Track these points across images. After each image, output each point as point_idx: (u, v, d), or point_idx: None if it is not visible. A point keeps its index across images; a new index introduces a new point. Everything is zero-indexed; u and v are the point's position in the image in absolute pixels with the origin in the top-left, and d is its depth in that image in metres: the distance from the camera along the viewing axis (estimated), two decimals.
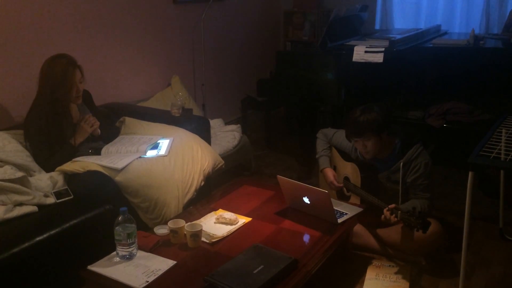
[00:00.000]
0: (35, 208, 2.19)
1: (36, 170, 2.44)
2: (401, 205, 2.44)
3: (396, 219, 2.28)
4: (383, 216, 2.33)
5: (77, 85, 2.53)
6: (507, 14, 3.82)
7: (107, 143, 2.73)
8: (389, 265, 2.46)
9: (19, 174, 2.22)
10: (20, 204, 2.17)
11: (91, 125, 2.63)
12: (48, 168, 2.46)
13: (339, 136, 2.86)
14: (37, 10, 2.86)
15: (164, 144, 2.69)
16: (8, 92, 2.76)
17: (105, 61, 3.35)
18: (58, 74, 2.46)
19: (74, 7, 3.07)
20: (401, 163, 2.49)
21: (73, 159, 2.47)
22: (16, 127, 2.62)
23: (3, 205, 2.12)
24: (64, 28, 3.02)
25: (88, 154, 2.61)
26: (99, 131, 2.69)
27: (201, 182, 2.71)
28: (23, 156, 2.43)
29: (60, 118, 2.54)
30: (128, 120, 2.93)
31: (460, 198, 3.09)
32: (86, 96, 2.79)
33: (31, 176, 2.36)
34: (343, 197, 2.79)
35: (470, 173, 1.94)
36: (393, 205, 2.32)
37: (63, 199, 2.29)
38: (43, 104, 2.50)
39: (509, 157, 1.94)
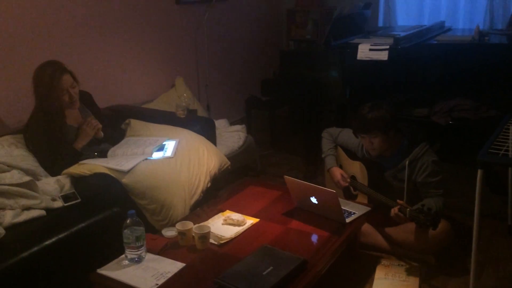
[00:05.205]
0: (43, 212, 2.19)
1: (43, 174, 2.44)
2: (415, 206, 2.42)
3: (405, 216, 2.27)
4: (392, 213, 2.32)
5: (69, 91, 2.50)
6: (511, 9, 3.80)
7: (112, 145, 2.72)
8: (398, 264, 2.45)
9: (26, 178, 2.22)
10: (28, 208, 2.17)
11: (93, 127, 2.62)
12: (53, 173, 2.46)
13: (345, 134, 2.85)
14: (39, 13, 2.85)
15: (170, 146, 2.68)
16: (14, 96, 2.76)
17: (109, 63, 3.35)
18: (45, 83, 2.43)
19: (76, 10, 3.07)
20: (407, 162, 2.48)
21: (80, 162, 2.47)
22: (22, 132, 2.61)
23: (11, 209, 2.12)
24: (66, 31, 3.02)
25: (94, 157, 2.61)
26: (101, 133, 2.68)
27: (207, 183, 2.71)
28: (30, 161, 2.44)
29: (57, 125, 2.52)
30: (134, 122, 2.93)
31: (467, 195, 3.08)
32: (87, 98, 2.78)
33: (38, 180, 2.36)
34: (350, 196, 2.79)
35: (479, 171, 1.93)
36: (401, 201, 2.31)
37: (70, 203, 2.29)
38: (40, 112, 2.50)
39: None
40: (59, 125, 2.53)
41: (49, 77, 2.44)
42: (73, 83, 2.53)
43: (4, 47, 2.70)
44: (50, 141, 2.50)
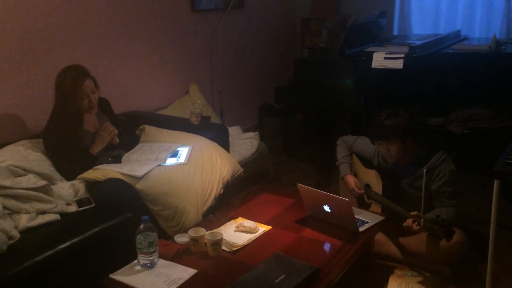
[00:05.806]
0: (57, 216, 2.22)
1: (58, 179, 2.47)
2: (426, 214, 2.39)
3: (418, 227, 2.24)
4: (405, 223, 2.30)
5: (89, 95, 2.53)
6: None
7: (126, 150, 2.74)
8: (412, 275, 2.42)
9: (42, 182, 2.25)
10: (43, 212, 2.19)
11: (110, 133, 2.64)
12: (69, 177, 2.49)
13: (360, 142, 2.84)
14: (59, 20, 2.90)
15: (183, 152, 2.69)
16: (31, 101, 2.80)
17: (125, 70, 3.39)
18: (68, 86, 2.47)
19: (94, 17, 3.11)
20: (424, 170, 2.45)
21: (94, 167, 2.50)
22: (39, 136, 2.65)
23: (26, 213, 2.15)
24: (84, 38, 3.06)
25: (108, 162, 2.63)
26: (117, 139, 2.71)
27: (220, 190, 2.71)
28: (46, 165, 2.46)
29: (75, 129, 2.55)
30: (148, 128, 2.95)
31: (482, 205, 3.04)
32: (104, 104, 2.81)
33: (53, 184, 2.38)
34: (363, 205, 2.76)
35: (495, 181, 1.90)
36: (415, 213, 2.28)
37: (84, 207, 2.31)
38: (59, 115, 2.53)
39: None
40: (76, 129, 2.56)
41: (72, 80, 2.48)
42: (94, 88, 2.56)
43: (24, 52, 2.75)
44: (67, 144, 2.53)
